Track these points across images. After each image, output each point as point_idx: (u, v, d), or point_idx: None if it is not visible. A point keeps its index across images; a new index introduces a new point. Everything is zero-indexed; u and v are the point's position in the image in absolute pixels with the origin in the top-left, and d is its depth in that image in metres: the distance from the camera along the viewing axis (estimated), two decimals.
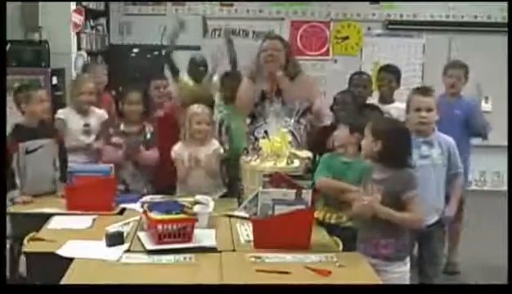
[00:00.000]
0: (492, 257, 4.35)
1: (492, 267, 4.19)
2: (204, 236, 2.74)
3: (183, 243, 2.61)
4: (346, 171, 3.08)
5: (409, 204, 2.60)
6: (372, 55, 6.84)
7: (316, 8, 6.90)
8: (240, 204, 3.32)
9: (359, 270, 2.47)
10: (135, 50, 6.62)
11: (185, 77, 4.63)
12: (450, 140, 3.24)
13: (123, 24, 6.81)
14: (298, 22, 6.90)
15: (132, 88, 3.87)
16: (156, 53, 6.49)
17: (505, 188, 6.81)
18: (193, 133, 3.52)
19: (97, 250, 2.60)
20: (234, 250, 2.67)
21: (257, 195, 2.84)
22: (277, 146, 3.32)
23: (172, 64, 4.67)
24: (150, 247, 2.61)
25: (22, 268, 2.93)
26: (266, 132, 3.52)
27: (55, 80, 5.12)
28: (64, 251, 2.58)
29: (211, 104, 3.98)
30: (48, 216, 3.08)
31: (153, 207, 2.77)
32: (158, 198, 3.25)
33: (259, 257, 2.56)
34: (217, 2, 6.83)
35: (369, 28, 6.91)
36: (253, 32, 6.83)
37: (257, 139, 3.53)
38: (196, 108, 3.57)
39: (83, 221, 3.00)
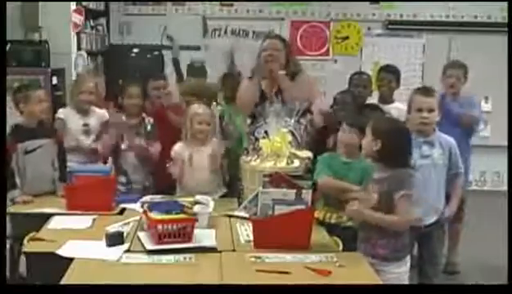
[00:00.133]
0: (492, 257, 4.35)
1: (492, 267, 4.19)
2: (204, 236, 2.74)
3: (183, 243, 2.61)
4: (347, 171, 3.08)
5: (398, 204, 2.59)
6: (372, 55, 6.84)
7: (316, 8, 6.90)
8: (240, 204, 3.32)
9: (359, 270, 2.47)
10: (135, 50, 6.61)
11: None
12: (451, 140, 3.24)
13: (123, 24, 6.80)
14: (298, 22, 6.90)
15: (131, 82, 3.91)
16: (156, 53, 6.49)
17: (505, 188, 6.81)
18: (194, 133, 3.52)
19: (97, 250, 2.60)
20: (234, 250, 2.67)
21: (257, 195, 2.84)
22: (277, 146, 3.32)
23: (180, 71, 4.70)
24: (150, 247, 2.61)
25: (22, 268, 2.94)
26: (266, 132, 3.52)
27: (55, 80, 5.12)
28: (64, 251, 2.58)
29: (214, 101, 3.99)
30: (48, 216, 3.08)
31: (153, 207, 2.77)
32: (158, 198, 3.25)
33: (259, 257, 2.56)
34: (217, 2, 6.82)
35: (369, 28, 6.91)
36: (253, 32, 6.82)
37: (257, 139, 3.53)
38: (197, 108, 3.57)
39: (83, 221, 3.00)
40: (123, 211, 3.25)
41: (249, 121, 3.75)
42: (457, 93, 4.22)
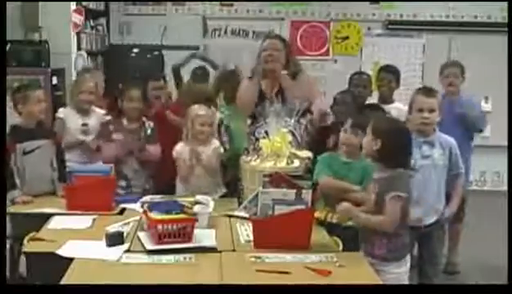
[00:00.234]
0: (492, 257, 4.35)
1: (492, 267, 4.19)
2: (204, 236, 2.74)
3: (183, 243, 2.61)
4: (347, 171, 3.08)
5: (387, 205, 2.59)
6: (372, 55, 6.84)
7: (316, 8, 6.90)
8: (240, 204, 3.32)
9: (359, 270, 2.47)
10: (135, 50, 6.61)
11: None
12: (451, 140, 3.24)
13: (123, 24, 6.81)
14: (298, 22, 6.90)
15: (131, 85, 3.88)
16: (156, 53, 6.49)
17: (505, 188, 6.81)
18: (195, 134, 3.52)
19: (97, 250, 2.60)
20: (234, 250, 2.67)
21: (257, 195, 2.84)
22: (277, 146, 3.32)
23: (179, 76, 4.70)
24: (150, 247, 2.61)
25: (22, 268, 2.93)
26: (266, 132, 3.52)
27: (55, 80, 5.12)
28: (64, 251, 2.58)
29: (213, 103, 3.98)
30: (48, 216, 3.08)
31: (153, 207, 2.77)
32: (158, 198, 3.24)
33: (259, 257, 2.56)
34: (217, 2, 6.83)
35: (369, 28, 6.91)
36: (253, 32, 6.83)
37: (257, 139, 3.53)
38: (199, 109, 3.56)
39: (83, 221, 3.00)
40: (123, 211, 3.25)
41: (249, 121, 3.74)
42: (456, 92, 4.22)
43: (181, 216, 2.68)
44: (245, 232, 2.88)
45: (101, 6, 6.56)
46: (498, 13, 6.77)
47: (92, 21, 6.21)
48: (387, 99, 4.40)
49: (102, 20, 6.61)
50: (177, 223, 2.63)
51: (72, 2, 5.46)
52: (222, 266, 2.46)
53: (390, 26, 6.87)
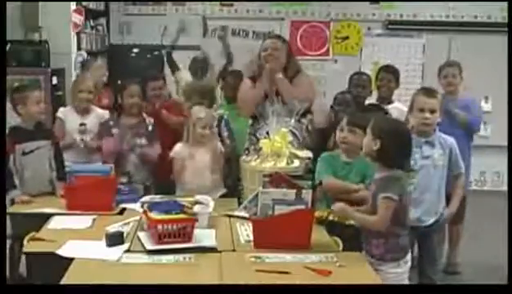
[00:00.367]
0: (492, 257, 4.35)
1: (492, 267, 4.18)
2: (204, 236, 2.74)
3: (183, 243, 2.61)
4: (348, 171, 3.08)
5: (379, 206, 2.58)
6: (372, 55, 6.84)
7: (316, 8, 6.89)
8: (240, 204, 3.32)
9: (359, 270, 2.47)
10: (135, 50, 6.62)
11: (186, 74, 4.64)
12: (451, 140, 3.23)
13: (123, 24, 6.80)
14: (298, 22, 6.89)
15: (131, 81, 3.90)
16: (156, 53, 6.49)
17: (505, 188, 6.81)
18: (197, 137, 3.52)
19: (97, 250, 2.60)
20: (234, 250, 2.67)
21: (257, 195, 2.84)
22: (277, 146, 3.32)
23: (173, 62, 4.69)
24: (150, 247, 2.61)
25: (22, 268, 2.94)
26: (267, 133, 3.51)
27: (55, 80, 5.12)
28: (64, 251, 2.58)
29: (212, 100, 3.99)
30: (48, 216, 3.08)
31: (153, 207, 2.77)
32: (158, 198, 3.24)
33: (259, 257, 2.56)
34: (217, 2, 6.82)
35: (369, 28, 6.91)
36: (253, 32, 6.82)
37: (258, 139, 3.53)
38: (200, 111, 3.56)
39: (83, 221, 3.00)
40: (123, 211, 3.24)
41: (250, 121, 3.74)
42: (455, 92, 4.21)
43: (181, 216, 2.68)
44: (245, 232, 2.88)
45: (101, 6, 6.56)
46: (498, 13, 6.77)
47: (92, 21, 6.21)
48: (386, 99, 4.40)
49: (102, 20, 6.61)
50: (177, 223, 2.63)
51: (72, 2, 5.46)
52: (221, 266, 2.46)
53: (390, 26, 6.87)
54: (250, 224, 2.80)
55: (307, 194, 2.74)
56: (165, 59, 4.79)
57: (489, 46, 6.57)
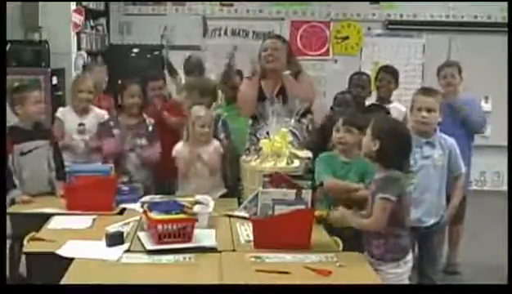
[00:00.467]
0: (492, 257, 4.35)
1: (492, 267, 4.18)
2: (204, 236, 2.74)
3: (183, 243, 2.61)
4: (347, 171, 3.08)
5: (375, 206, 2.58)
6: (372, 55, 6.84)
7: (316, 8, 6.90)
8: (240, 204, 3.32)
9: (359, 270, 2.46)
10: (135, 50, 6.62)
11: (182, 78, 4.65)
12: (451, 141, 3.23)
13: (123, 24, 6.81)
14: (298, 22, 6.90)
15: (131, 81, 3.89)
16: (156, 53, 6.49)
17: (505, 188, 6.81)
18: (196, 135, 3.52)
19: (97, 250, 2.60)
20: (234, 250, 2.67)
21: (257, 195, 2.84)
22: (277, 146, 3.32)
23: (171, 67, 4.70)
24: (150, 247, 2.61)
25: (22, 268, 2.94)
26: (268, 133, 3.51)
27: (55, 80, 5.12)
28: (64, 251, 2.58)
29: (213, 98, 3.98)
30: (48, 216, 3.08)
31: (153, 207, 2.77)
32: (158, 198, 3.25)
33: (259, 257, 2.55)
34: (217, 2, 6.82)
35: (369, 28, 6.91)
36: (253, 32, 6.83)
37: (259, 139, 3.53)
38: (199, 110, 3.56)
39: (83, 221, 3.00)
40: (123, 211, 3.24)
41: (250, 121, 3.74)
42: (455, 92, 4.21)
43: (181, 216, 2.68)
44: (245, 232, 2.88)
45: (101, 6, 6.56)
46: (498, 13, 6.77)
47: (92, 21, 6.21)
48: (385, 99, 4.41)
49: (102, 20, 6.61)
50: (177, 223, 2.63)
51: (72, 2, 5.46)
52: (221, 266, 2.46)
53: (390, 26, 6.87)
54: (250, 224, 2.79)
55: (307, 194, 2.74)
56: (165, 64, 4.80)
57: (489, 46, 6.57)
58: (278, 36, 3.98)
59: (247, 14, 6.86)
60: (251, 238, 2.74)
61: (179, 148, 3.56)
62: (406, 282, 2.71)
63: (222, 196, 3.57)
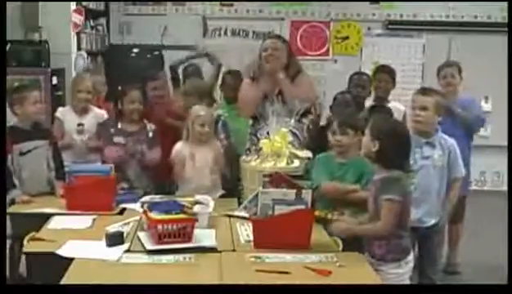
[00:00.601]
0: (492, 257, 4.35)
1: (492, 267, 4.18)
2: (204, 236, 2.74)
3: (183, 243, 2.61)
4: (344, 172, 3.08)
5: (382, 208, 2.58)
6: (372, 55, 6.83)
7: (316, 8, 6.89)
8: (240, 204, 3.32)
9: (359, 270, 2.47)
10: (135, 50, 6.61)
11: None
12: (452, 142, 3.23)
13: (123, 24, 6.80)
14: (298, 22, 6.90)
15: (131, 87, 3.87)
16: (156, 53, 6.49)
17: (505, 188, 6.81)
18: (196, 135, 3.52)
19: (97, 250, 2.60)
20: (234, 250, 2.67)
21: (257, 195, 2.84)
22: (277, 146, 3.32)
23: (177, 74, 4.70)
24: (150, 247, 2.61)
25: (22, 268, 2.93)
26: (268, 133, 3.51)
27: (55, 80, 5.12)
28: (64, 251, 2.58)
29: (211, 100, 3.98)
30: (48, 216, 3.08)
31: (153, 207, 2.77)
32: (158, 198, 3.24)
33: (259, 257, 2.56)
34: (217, 2, 6.82)
35: (369, 28, 6.91)
36: (253, 32, 6.82)
37: (259, 139, 3.53)
38: (199, 110, 3.56)
39: (83, 221, 3.00)
40: (123, 211, 3.24)
41: (250, 121, 3.74)
42: (455, 91, 4.21)
43: (181, 216, 2.68)
44: (245, 232, 2.88)
45: (101, 6, 6.56)
46: (498, 13, 6.77)
47: (92, 21, 6.21)
48: (383, 99, 4.40)
49: (102, 20, 6.61)
50: (177, 223, 2.63)
51: (72, 2, 5.46)
52: (221, 266, 2.46)
53: (390, 26, 6.87)
54: (250, 224, 2.80)
55: (307, 194, 2.74)
56: (170, 71, 4.80)
57: (489, 46, 6.57)
58: (278, 36, 3.98)
59: (247, 14, 6.86)
60: (251, 238, 2.74)
61: (179, 147, 3.56)
62: (407, 282, 2.71)
63: (222, 196, 3.57)
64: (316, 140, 3.68)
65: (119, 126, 3.80)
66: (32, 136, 3.52)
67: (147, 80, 4.30)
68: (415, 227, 2.99)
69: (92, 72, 5.03)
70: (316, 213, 2.86)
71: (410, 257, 2.71)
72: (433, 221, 3.19)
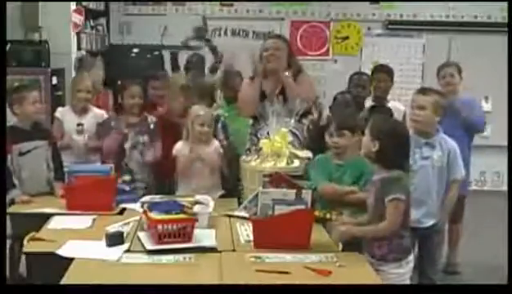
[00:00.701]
0: (492, 257, 4.35)
1: (492, 267, 4.18)
2: (204, 236, 2.74)
3: (183, 243, 2.61)
4: (342, 173, 3.07)
5: (387, 208, 2.57)
6: (372, 55, 6.83)
7: (316, 8, 6.89)
8: (240, 204, 3.32)
9: (359, 270, 2.47)
10: (135, 50, 6.61)
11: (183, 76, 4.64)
12: (452, 143, 3.22)
13: (123, 24, 6.81)
14: (298, 22, 6.90)
15: (131, 82, 3.88)
16: (156, 53, 6.49)
17: (505, 188, 6.81)
18: (196, 134, 3.52)
19: (97, 250, 2.60)
20: (234, 250, 2.67)
21: (257, 195, 2.84)
22: (277, 146, 3.32)
23: (176, 62, 4.70)
24: (150, 247, 2.61)
25: (22, 268, 2.93)
26: (268, 134, 3.51)
27: (55, 80, 5.12)
28: (64, 251, 2.58)
29: (211, 100, 3.97)
30: (48, 216, 3.08)
31: (153, 207, 2.77)
32: (158, 198, 3.24)
33: (259, 257, 2.56)
34: (217, 2, 6.82)
35: (369, 28, 6.91)
36: (253, 32, 6.83)
37: (259, 139, 3.53)
38: (199, 109, 3.56)
39: (83, 221, 3.00)
40: (123, 211, 3.24)
41: (251, 121, 3.74)
42: (455, 91, 4.21)
43: (181, 216, 2.68)
44: (245, 232, 2.88)
45: (101, 6, 6.56)
46: (498, 13, 6.77)
47: (92, 21, 6.21)
48: (382, 98, 4.40)
49: (102, 20, 6.61)
50: (177, 223, 2.63)
51: (72, 2, 5.46)
52: (221, 266, 2.46)
53: (390, 26, 6.87)
54: (250, 224, 2.80)
55: (307, 194, 2.73)
56: (170, 61, 4.80)
57: (489, 46, 6.57)
58: (279, 36, 3.98)
59: (247, 14, 6.86)
60: (251, 238, 2.74)
61: (179, 147, 3.56)
62: (408, 282, 2.71)
63: (222, 196, 3.57)
64: (316, 141, 3.68)
65: (119, 118, 3.81)
66: (31, 137, 3.52)
67: (148, 79, 4.30)
68: (415, 227, 2.98)
69: (90, 69, 5.02)
70: (315, 213, 2.86)
71: (411, 257, 2.72)
72: (431, 222, 3.19)
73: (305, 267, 2.45)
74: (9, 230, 3.16)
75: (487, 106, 6.50)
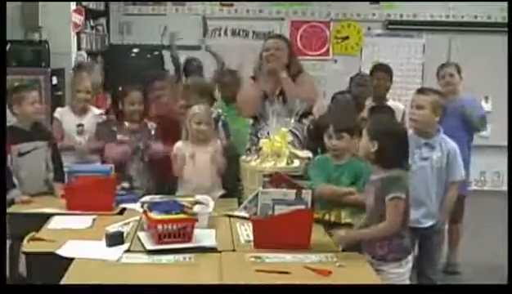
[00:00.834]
0: (492, 257, 4.35)
1: (492, 267, 4.19)
2: (204, 236, 2.74)
3: (183, 243, 2.61)
4: (340, 173, 3.06)
5: (388, 207, 2.57)
6: (372, 55, 6.83)
7: (316, 8, 6.89)
8: (240, 204, 3.32)
9: (359, 270, 2.47)
10: (135, 50, 6.61)
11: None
12: (452, 144, 3.21)
13: (123, 24, 6.81)
14: (298, 22, 6.90)
15: (132, 88, 3.87)
16: (156, 53, 6.49)
17: (505, 188, 6.81)
18: (193, 133, 3.52)
19: (97, 250, 2.60)
20: (234, 250, 2.67)
21: (257, 195, 2.84)
22: (277, 146, 3.32)
23: (178, 68, 4.71)
24: (150, 247, 2.61)
25: (22, 268, 2.93)
26: (268, 134, 3.51)
27: (55, 80, 5.12)
28: (64, 251, 2.58)
29: (211, 99, 3.97)
30: (48, 216, 3.08)
31: (153, 207, 2.77)
32: (158, 198, 3.24)
33: (259, 257, 2.56)
34: (217, 2, 6.82)
35: (369, 28, 6.91)
36: (253, 32, 6.83)
37: (259, 140, 3.53)
38: (195, 108, 3.56)
39: (83, 221, 3.00)
40: (123, 211, 3.24)
41: (251, 121, 3.74)
42: (455, 91, 4.21)
43: (181, 216, 2.68)
44: (245, 232, 2.88)
45: (101, 6, 6.56)
46: (498, 13, 6.77)
47: (92, 21, 6.21)
48: (381, 98, 4.40)
49: (102, 20, 6.61)
50: (177, 223, 2.63)
51: (72, 2, 5.46)
52: (221, 266, 2.46)
53: (390, 26, 6.87)
54: (250, 224, 2.79)
55: (307, 194, 2.73)
56: (173, 65, 4.81)
57: (489, 46, 6.57)
58: (279, 35, 3.98)
59: (247, 14, 6.86)
60: (251, 238, 2.74)
61: (179, 146, 3.56)
62: (408, 282, 2.71)
63: (222, 196, 3.56)
64: (316, 141, 3.68)
65: (120, 124, 3.81)
66: (31, 137, 3.51)
67: (149, 80, 4.29)
68: (414, 227, 2.98)
69: (89, 70, 5.02)
70: (314, 215, 2.86)
71: (411, 257, 2.72)
72: (431, 222, 3.19)
73: (305, 267, 2.45)
74: (9, 230, 3.15)
75: (487, 106, 6.49)
